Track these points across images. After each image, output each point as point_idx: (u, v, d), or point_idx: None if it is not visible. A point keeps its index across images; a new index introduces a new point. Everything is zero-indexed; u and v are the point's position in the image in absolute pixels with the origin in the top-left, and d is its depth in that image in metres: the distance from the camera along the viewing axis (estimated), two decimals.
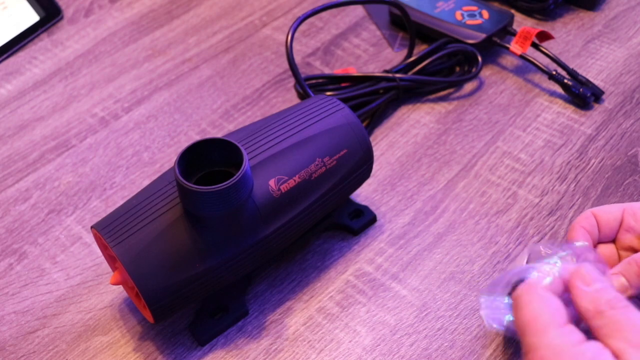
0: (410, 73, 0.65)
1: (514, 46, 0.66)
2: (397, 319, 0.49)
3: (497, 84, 0.67)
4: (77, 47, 0.75)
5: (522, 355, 0.40)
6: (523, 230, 0.54)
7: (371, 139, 0.62)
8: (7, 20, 0.76)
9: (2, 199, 0.60)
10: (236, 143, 0.43)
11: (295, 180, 0.46)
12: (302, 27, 0.75)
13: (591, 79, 0.66)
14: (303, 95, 0.65)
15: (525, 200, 0.56)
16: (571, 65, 0.68)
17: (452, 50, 0.65)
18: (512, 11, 0.73)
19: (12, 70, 0.72)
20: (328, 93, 0.62)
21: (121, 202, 0.48)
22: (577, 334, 0.38)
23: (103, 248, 0.48)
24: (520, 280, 0.43)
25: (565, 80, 0.64)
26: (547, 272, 0.42)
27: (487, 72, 0.68)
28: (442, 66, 0.66)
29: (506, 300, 0.44)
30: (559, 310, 0.39)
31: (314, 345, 0.48)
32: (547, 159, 0.60)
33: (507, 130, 0.62)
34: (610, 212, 0.47)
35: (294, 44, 0.72)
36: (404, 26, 0.72)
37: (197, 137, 0.64)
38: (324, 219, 0.54)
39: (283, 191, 0.46)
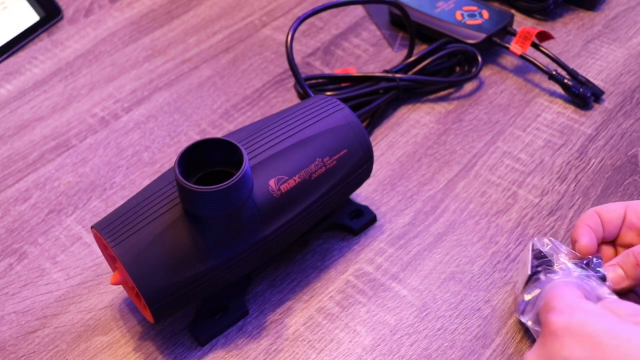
0: (410, 73, 0.65)
1: (514, 46, 0.66)
2: (397, 319, 0.49)
3: (497, 84, 0.67)
4: (77, 47, 0.75)
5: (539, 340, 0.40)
6: (523, 230, 0.54)
7: (371, 139, 0.62)
8: (7, 20, 0.76)
9: (2, 199, 0.60)
10: (236, 143, 0.43)
11: (295, 180, 0.46)
12: (302, 27, 0.75)
13: (591, 79, 0.66)
14: (303, 95, 0.65)
15: (525, 200, 0.56)
16: (571, 65, 0.68)
17: (452, 50, 0.65)
18: (512, 11, 0.73)
19: (12, 70, 0.72)
20: (328, 93, 0.62)
21: (121, 202, 0.48)
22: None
23: (103, 248, 0.48)
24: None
25: (565, 80, 0.64)
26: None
27: (487, 72, 0.68)
28: (442, 66, 0.66)
29: (527, 297, 0.45)
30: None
31: (314, 345, 0.48)
32: (547, 159, 0.60)
33: (507, 130, 0.62)
34: (613, 210, 0.47)
35: (294, 44, 0.72)
36: (404, 26, 0.72)
37: (197, 137, 0.64)
38: (324, 219, 0.54)
39: (283, 191, 0.46)
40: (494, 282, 0.51)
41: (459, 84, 0.67)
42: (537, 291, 0.44)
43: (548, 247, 0.46)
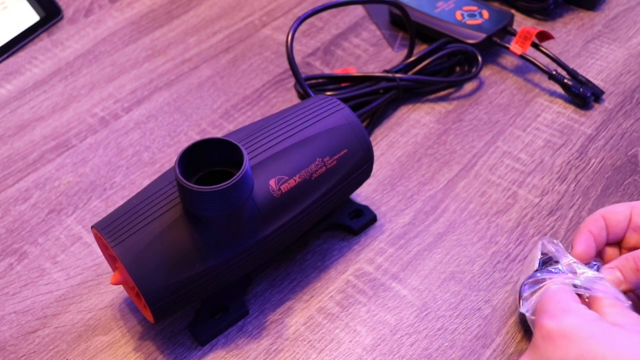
0: (410, 73, 0.65)
1: (514, 46, 0.66)
2: (398, 319, 0.49)
3: (497, 84, 0.67)
4: (77, 47, 0.75)
5: (533, 343, 0.41)
6: (523, 230, 0.54)
7: (371, 139, 0.62)
8: (7, 20, 0.76)
9: (2, 199, 0.60)
10: (236, 143, 0.43)
11: (295, 180, 0.46)
12: (302, 27, 0.75)
13: (591, 79, 0.66)
14: (303, 95, 0.65)
15: (525, 200, 0.56)
16: (571, 65, 0.68)
17: (452, 50, 0.65)
18: (512, 11, 0.73)
19: (12, 70, 0.72)
20: (328, 93, 0.62)
21: (121, 202, 0.48)
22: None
23: (103, 248, 0.48)
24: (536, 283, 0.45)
25: (565, 80, 0.64)
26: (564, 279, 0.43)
27: (487, 72, 0.68)
28: (442, 66, 0.66)
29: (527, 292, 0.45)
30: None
31: (314, 345, 0.48)
32: (547, 159, 0.60)
33: (507, 130, 0.62)
34: (618, 213, 0.47)
35: (294, 44, 0.72)
36: (404, 26, 0.72)
37: (197, 137, 0.64)
38: (324, 219, 0.54)
39: (283, 191, 0.46)
40: (494, 282, 0.51)
41: (459, 84, 0.67)
42: (538, 287, 0.44)
43: (555, 249, 0.46)
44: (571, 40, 0.71)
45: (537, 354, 0.40)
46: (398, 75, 0.64)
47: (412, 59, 0.66)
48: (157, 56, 0.73)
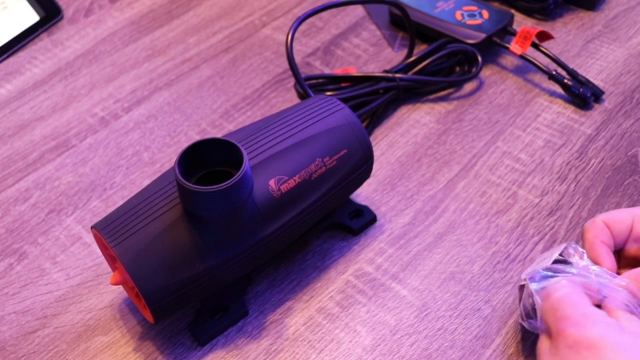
0: (410, 73, 0.65)
1: (514, 46, 0.66)
2: (397, 319, 0.49)
3: (497, 84, 0.67)
4: (77, 47, 0.75)
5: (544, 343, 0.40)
6: (523, 230, 0.54)
7: (371, 139, 0.62)
8: (7, 20, 0.76)
9: (2, 199, 0.60)
10: (236, 143, 0.43)
11: (295, 180, 0.46)
12: (302, 27, 0.75)
13: (591, 79, 0.66)
14: (303, 95, 0.65)
15: (525, 200, 0.56)
16: (571, 65, 0.68)
17: (452, 50, 0.65)
18: (512, 11, 0.73)
19: (12, 70, 0.72)
20: (328, 93, 0.62)
21: (121, 202, 0.48)
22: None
23: (103, 248, 0.48)
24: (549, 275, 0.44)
25: (565, 80, 0.64)
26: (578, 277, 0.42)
27: (487, 72, 0.68)
28: (442, 66, 0.66)
29: (533, 286, 0.43)
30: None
31: (314, 345, 0.48)
32: (547, 159, 0.60)
33: (507, 130, 0.62)
34: (621, 222, 0.45)
35: (294, 44, 0.72)
36: (404, 26, 0.72)
37: (197, 137, 0.64)
38: (324, 219, 0.54)
39: (283, 191, 0.46)
40: (494, 282, 0.51)
41: (459, 84, 0.67)
42: (552, 275, 0.43)
43: (574, 253, 0.45)
44: (571, 40, 0.71)
45: None
46: (398, 75, 0.64)
47: (412, 59, 0.66)
48: (157, 56, 0.73)
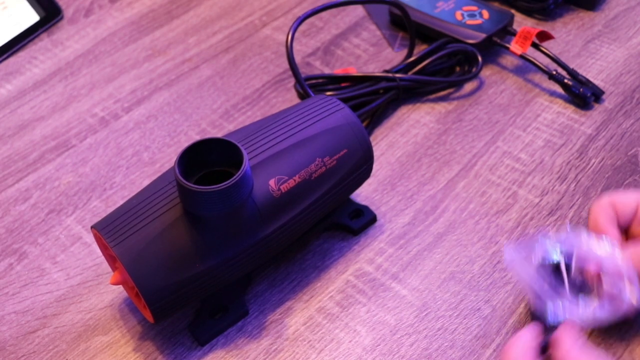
0: (410, 73, 0.65)
1: (514, 46, 0.66)
2: (397, 319, 0.49)
3: (497, 84, 0.67)
4: (77, 47, 0.75)
5: None
6: (523, 230, 0.54)
7: (371, 139, 0.62)
8: (7, 20, 0.76)
9: (2, 199, 0.60)
10: (236, 143, 0.43)
11: (295, 180, 0.46)
12: (302, 27, 0.75)
13: (591, 79, 0.66)
14: (303, 95, 0.65)
15: (526, 200, 0.56)
16: (571, 65, 0.68)
17: (452, 50, 0.65)
18: (512, 11, 0.73)
19: (12, 70, 0.72)
20: (328, 93, 0.62)
21: (121, 202, 0.48)
22: None
23: (103, 248, 0.48)
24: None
25: (565, 80, 0.64)
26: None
27: (487, 72, 0.68)
28: (442, 66, 0.66)
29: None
30: None
31: (314, 345, 0.48)
32: (547, 159, 0.60)
33: (507, 130, 0.62)
34: (627, 204, 0.46)
35: (294, 44, 0.72)
36: (404, 26, 0.72)
37: (197, 137, 0.64)
38: (324, 219, 0.54)
39: (283, 191, 0.46)
40: (494, 282, 0.51)
41: (459, 84, 0.67)
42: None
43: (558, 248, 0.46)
44: (571, 40, 0.71)
45: None
46: (398, 75, 0.64)
47: (412, 59, 0.66)
48: (157, 56, 0.73)
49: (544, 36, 0.66)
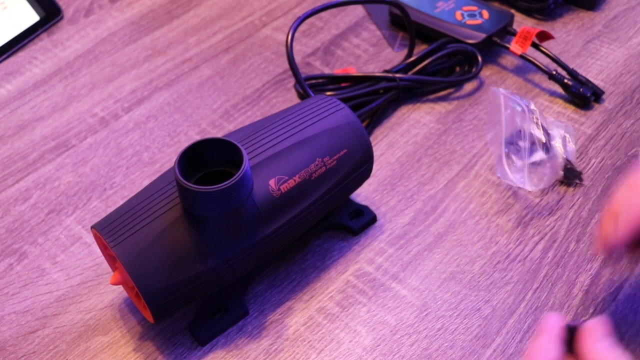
0: (410, 73, 0.65)
1: (514, 46, 0.66)
2: (398, 319, 0.49)
3: (497, 84, 0.67)
4: (77, 47, 0.75)
5: None
6: (523, 230, 0.54)
7: (371, 139, 0.62)
8: (7, 20, 0.76)
9: (2, 199, 0.60)
10: (236, 143, 0.43)
11: (295, 180, 0.46)
12: (302, 27, 0.75)
13: (591, 79, 0.66)
14: (303, 95, 0.65)
15: (525, 200, 0.56)
16: (571, 65, 0.68)
17: (452, 50, 0.65)
18: (512, 11, 0.73)
19: (12, 70, 0.72)
20: (328, 93, 0.62)
21: (121, 202, 0.48)
22: None
23: (103, 248, 0.48)
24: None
25: (565, 80, 0.64)
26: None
27: (487, 72, 0.68)
28: (442, 66, 0.66)
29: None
30: None
31: (314, 345, 0.48)
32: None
33: None
34: None
35: (294, 44, 0.72)
36: (404, 26, 0.72)
37: (197, 137, 0.64)
38: (324, 219, 0.54)
39: (283, 191, 0.46)
40: (494, 282, 0.51)
41: (459, 84, 0.67)
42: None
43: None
44: (571, 40, 0.71)
45: None
46: (398, 75, 0.64)
47: (412, 59, 0.66)
48: (157, 56, 0.73)
49: (544, 36, 0.66)
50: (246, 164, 0.42)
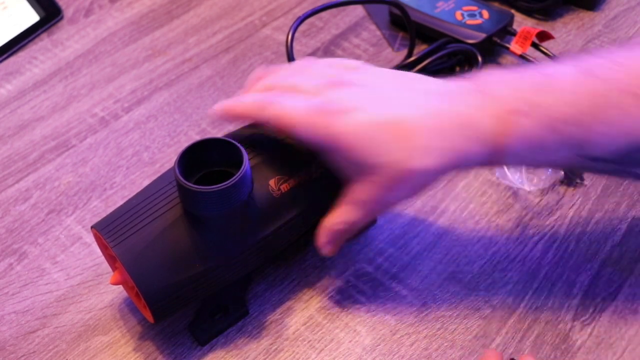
0: None
1: (514, 46, 0.66)
2: (397, 319, 0.49)
3: None
4: (77, 47, 0.75)
5: None
6: (523, 230, 0.54)
7: None
8: (7, 20, 0.76)
9: (2, 199, 0.60)
10: (236, 143, 0.43)
11: (295, 181, 0.46)
12: (302, 27, 0.75)
13: None
14: None
15: (525, 200, 0.56)
16: None
17: (452, 50, 0.65)
18: (512, 11, 0.73)
19: (12, 70, 0.72)
20: None
21: (121, 202, 0.48)
22: None
23: (103, 248, 0.48)
24: None
25: None
26: None
27: None
28: (442, 66, 0.66)
29: None
30: None
31: (314, 345, 0.48)
32: None
33: None
34: None
35: (294, 44, 0.72)
36: (404, 26, 0.72)
37: (197, 137, 0.64)
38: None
39: (283, 191, 0.46)
40: (494, 282, 0.51)
41: None
42: None
43: None
44: (571, 40, 0.71)
45: None
46: None
47: (412, 59, 0.66)
48: (157, 56, 0.73)
49: (544, 36, 0.66)
50: (246, 164, 0.42)
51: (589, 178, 0.58)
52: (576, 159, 0.42)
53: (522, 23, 0.73)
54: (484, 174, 0.59)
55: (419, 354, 0.48)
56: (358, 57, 0.71)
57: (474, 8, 0.70)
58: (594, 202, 0.56)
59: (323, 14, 0.76)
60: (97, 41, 0.75)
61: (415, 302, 0.50)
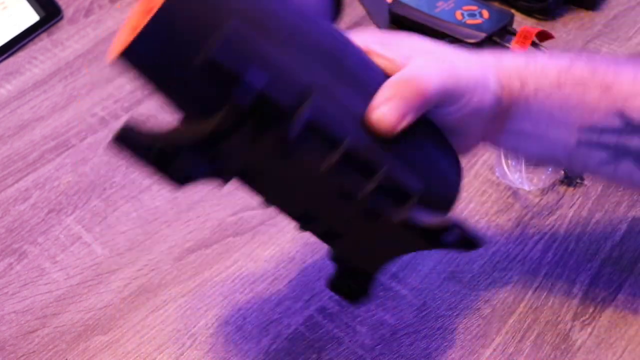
0: None
1: (514, 46, 0.66)
2: (397, 319, 0.49)
3: None
4: (77, 47, 0.75)
5: None
6: (523, 230, 0.54)
7: None
8: (7, 20, 0.76)
9: (2, 199, 0.59)
10: None
11: None
12: None
13: None
14: None
15: (525, 200, 0.56)
16: None
17: None
18: (512, 11, 0.73)
19: (12, 70, 0.72)
20: None
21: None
22: None
23: None
24: None
25: None
26: None
27: None
28: None
29: None
30: None
31: (314, 345, 0.48)
32: None
33: None
34: None
35: None
36: (404, 26, 0.72)
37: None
38: None
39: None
40: (494, 282, 0.51)
41: None
42: None
43: None
44: (571, 40, 0.71)
45: None
46: None
47: None
48: None
49: (544, 36, 0.66)
50: None
51: (589, 178, 0.58)
52: (576, 137, 0.42)
53: (522, 23, 0.73)
54: (484, 173, 0.59)
55: (418, 353, 0.48)
56: None
57: (474, 8, 0.70)
58: (594, 202, 0.56)
59: None
60: (97, 41, 0.75)
61: (415, 302, 0.50)
